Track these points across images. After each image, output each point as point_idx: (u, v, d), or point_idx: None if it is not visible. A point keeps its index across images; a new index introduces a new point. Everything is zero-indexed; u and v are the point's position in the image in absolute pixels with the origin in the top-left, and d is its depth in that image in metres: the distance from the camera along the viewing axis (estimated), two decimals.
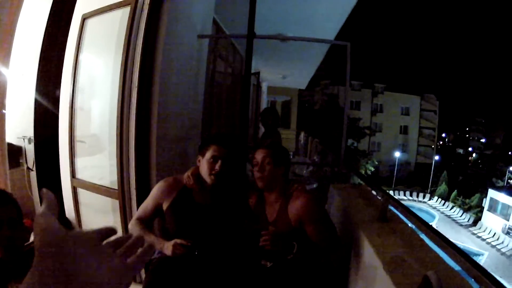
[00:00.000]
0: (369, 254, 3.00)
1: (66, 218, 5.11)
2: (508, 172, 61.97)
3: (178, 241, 3.08)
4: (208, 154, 3.33)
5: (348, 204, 4.40)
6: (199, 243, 3.14)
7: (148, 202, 3.43)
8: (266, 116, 7.25)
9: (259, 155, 3.42)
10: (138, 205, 4.69)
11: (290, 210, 3.28)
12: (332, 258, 3.47)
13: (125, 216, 4.80)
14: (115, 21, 4.85)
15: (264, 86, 17.66)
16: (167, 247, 3.10)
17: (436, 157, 66.98)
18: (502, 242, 39.53)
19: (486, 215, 45.16)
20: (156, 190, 3.44)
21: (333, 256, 3.42)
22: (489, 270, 2.26)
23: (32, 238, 4.90)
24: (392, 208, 3.75)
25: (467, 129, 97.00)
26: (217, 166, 3.30)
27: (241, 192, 3.68)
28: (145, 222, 3.39)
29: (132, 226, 3.34)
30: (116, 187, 4.80)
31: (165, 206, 3.36)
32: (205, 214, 3.35)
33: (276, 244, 2.98)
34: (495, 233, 41.20)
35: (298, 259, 3.04)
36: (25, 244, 2.61)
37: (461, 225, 45.75)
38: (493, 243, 39.89)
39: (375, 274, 2.76)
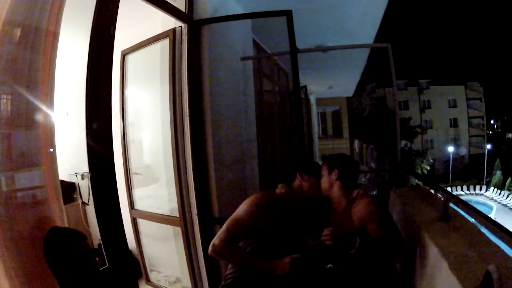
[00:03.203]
0: (434, 255, 2.91)
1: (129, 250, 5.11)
2: None
3: (294, 256, 2.96)
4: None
5: (409, 207, 4.28)
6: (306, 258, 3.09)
7: (243, 221, 3.12)
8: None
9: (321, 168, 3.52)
10: (201, 231, 4.70)
11: (353, 212, 3.24)
12: (396, 261, 3.50)
13: (188, 242, 4.78)
14: (156, 54, 4.93)
15: (312, 99, 17.55)
16: (281, 265, 2.95)
17: (488, 146, 64.40)
18: None
19: None
20: (252, 207, 3.18)
21: (397, 259, 3.47)
22: None
23: None
24: (452, 205, 3.64)
25: None
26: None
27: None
28: (238, 240, 3.15)
29: (226, 247, 3.01)
30: (176, 215, 4.80)
31: (264, 223, 3.14)
32: (308, 225, 3.40)
33: (337, 238, 2.96)
34: None
35: (360, 257, 2.97)
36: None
37: None
38: None
39: (440, 274, 2.68)
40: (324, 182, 3.40)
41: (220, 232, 3.03)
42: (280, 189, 3.40)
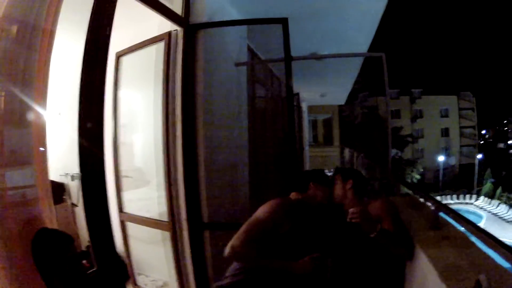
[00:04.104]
0: (424, 264, 2.92)
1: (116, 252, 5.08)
2: None
3: (312, 256, 3.11)
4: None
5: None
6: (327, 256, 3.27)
7: (265, 224, 3.23)
8: None
9: (333, 179, 3.84)
10: (190, 236, 4.68)
11: (371, 211, 3.34)
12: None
13: (176, 246, 4.78)
14: (150, 56, 4.94)
15: (304, 106, 17.59)
16: (303, 266, 3.08)
17: (479, 156, 64.94)
18: None
19: None
20: (274, 211, 3.32)
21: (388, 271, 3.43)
22: None
23: None
24: (442, 214, 3.68)
25: (505, 121, 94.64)
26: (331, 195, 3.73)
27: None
28: (257, 243, 3.17)
29: (246, 249, 3.05)
30: (165, 219, 4.80)
31: (285, 227, 3.26)
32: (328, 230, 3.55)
33: (363, 218, 3.05)
34: None
35: (379, 242, 3.11)
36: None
37: (508, 222, 43.73)
38: None
39: (430, 283, 2.70)
40: (338, 190, 3.70)
41: (239, 234, 3.08)
42: (295, 196, 3.66)
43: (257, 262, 3.08)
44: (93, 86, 2.92)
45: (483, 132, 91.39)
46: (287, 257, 3.12)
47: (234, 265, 3.20)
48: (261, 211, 3.30)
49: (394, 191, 6.35)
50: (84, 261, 2.62)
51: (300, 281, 3.12)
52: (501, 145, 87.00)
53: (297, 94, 13.94)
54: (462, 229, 3.32)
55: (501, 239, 2.60)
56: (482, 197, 51.87)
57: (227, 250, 2.98)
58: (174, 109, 4.67)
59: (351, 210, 3.08)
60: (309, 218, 3.52)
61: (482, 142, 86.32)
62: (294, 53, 4.96)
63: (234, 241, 3.01)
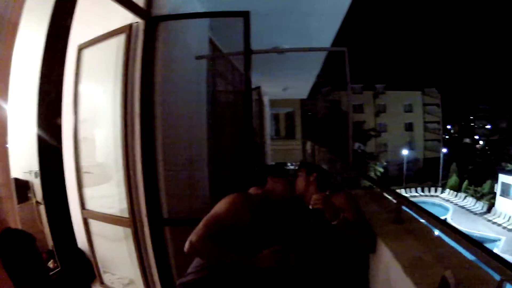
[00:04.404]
0: (388, 258, 2.97)
1: (79, 248, 5.05)
2: None
3: (272, 249, 3.11)
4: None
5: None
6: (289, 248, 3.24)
7: (223, 218, 3.22)
8: None
9: (297, 173, 3.95)
10: (151, 232, 4.71)
11: (334, 203, 3.36)
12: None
13: (138, 243, 4.78)
14: (112, 49, 4.88)
15: (266, 100, 17.63)
16: (263, 259, 3.06)
17: (444, 150, 66.34)
18: None
19: (500, 200, 44.44)
20: (232, 206, 3.31)
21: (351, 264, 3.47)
22: (507, 254, 2.27)
23: None
24: (405, 208, 3.72)
25: (471, 117, 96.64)
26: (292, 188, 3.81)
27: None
28: (216, 238, 3.14)
29: (204, 244, 3.04)
30: (126, 216, 4.78)
31: (244, 222, 3.27)
32: (288, 223, 3.71)
33: (326, 204, 3.15)
34: (510, 217, 40.57)
35: (340, 230, 3.17)
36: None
37: (476, 214, 45.11)
38: (509, 227, 39.27)
39: (395, 278, 2.74)
40: (301, 182, 3.82)
41: (198, 229, 3.07)
42: (254, 191, 3.70)
43: (217, 257, 3.10)
44: (51, 78, 2.92)
45: (449, 127, 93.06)
46: (248, 251, 3.11)
47: (196, 261, 3.22)
48: (219, 206, 3.31)
49: (355, 184, 6.49)
50: (51, 261, 2.63)
51: (263, 275, 3.16)
52: (467, 140, 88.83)
53: (259, 87, 13.97)
54: (426, 222, 3.40)
55: (470, 230, 2.67)
56: (447, 190, 53.14)
57: (186, 245, 3.00)
58: (133, 104, 4.65)
59: (314, 196, 3.18)
60: (269, 212, 3.58)
61: (447, 137, 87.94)
62: (256, 46, 5.02)
63: (192, 236, 3.02)
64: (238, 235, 3.21)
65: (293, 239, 3.52)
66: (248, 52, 4.91)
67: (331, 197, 3.46)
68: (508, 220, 40.45)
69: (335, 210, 3.16)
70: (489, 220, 42.29)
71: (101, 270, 5.49)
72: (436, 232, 3.18)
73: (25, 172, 5.58)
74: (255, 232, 3.30)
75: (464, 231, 2.66)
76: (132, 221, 4.72)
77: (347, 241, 3.28)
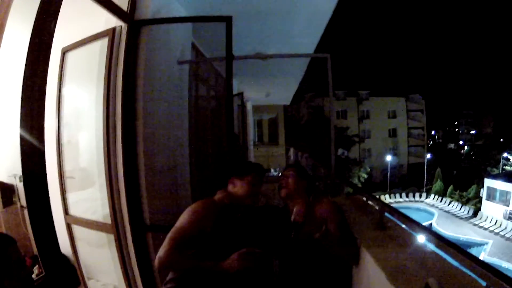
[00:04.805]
0: (370, 265, 2.97)
1: (62, 254, 5.02)
2: (503, 158, 62.21)
3: (241, 251, 3.01)
4: (249, 180, 3.53)
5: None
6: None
7: (187, 229, 3.18)
8: None
9: (286, 172, 3.89)
10: (133, 238, 4.69)
11: (317, 212, 3.52)
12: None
13: (121, 249, 4.75)
14: (95, 52, 4.86)
15: (249, 106, 17.68)
16: (231, 263, 2.99)
17: (428, 156, 67.05)
18: (506, 228, 39.41)
19: (485, 204, 44.98)
20: (194, 215, 3.27)
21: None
22: (495, 257, 2.27)
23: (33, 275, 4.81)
24: (388, 215, 3.74)
25: (456, 123, 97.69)
26: (255, 190, 3.54)
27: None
28: (184, 249, 3.13)
29: (172, 257, 3.03)
30: (109, 221, 4.75)
31: (207, 230, 3.19)
32: (248, 228, 3.52)
33: (308, 218, 3.30)
34: (496, 221, 41.03)
35: (322, 243, 3.13)
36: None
37: (462, 218, 45.45)
38: (496, 230, 39.65)
39: (378, 284, 2.73)
40: (289, 184, 3.74)
41: (164, 243, 3.05)
42: (218, 195, 3.55)
43: (186, 269, 3.12)
44: (35, 82, 2.92)
45: (433, 133, 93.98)
46: (218, 258, 3.07)
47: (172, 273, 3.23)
48: (182, 217, 3.29)
49: (338, 191, 6.51)
50: (36, 266, 2.61)
51: (237, 282, 3.15)
52: (452, 146, 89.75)
53: (241, 93, 13.96)
54: (408, 229, 3.43)
55: (456, 235, 2.67)
56: (432, 195, 53.66)
57: (156, 262, 3.02)
58: (115, 108, 4.63)
59: (296, 210, 3.26)
60: (233, 217, 3.45)
61: (431, 142, 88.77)
62: (240, 52, 5.04)
63: (160, 251, 3.02)
64: (205, 243, 3.19)
65: (277, 247, 3.54)
66: (229, 58, 4.89)
67: (314, 205, 3.58)
68: (495, 224, 40.87)
69: (317, 223, 3.18)
70: (476, 224, 42.68)
71: (86, 276, 5.41)
72: (420, 238, 3.18)
73: (9, 176, 5.54)
74: (220, 238, 3.24)
75: (449, 236, 2.68)
76: (115, 227, 4.69)
77: (329, 253, 3.29)
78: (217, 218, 3.29)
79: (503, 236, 38.40)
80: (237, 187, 3.54)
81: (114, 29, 4.64)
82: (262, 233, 3.58)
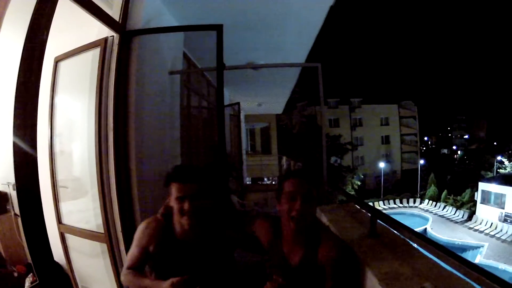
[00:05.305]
0: (364, 273, 2.92)
1: (56, 262, 5.01)
2: (496, 162, 62.32)
3: (175, 279, 2.71)
4: (173, 194, 3.03)
5: (336, 224, 4.23)
6: (198, 278, 2.80)
7: (134, 249, 3.07)
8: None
9: (290, 187, 2.87)
10: (126, 248, 4.67)
11: (320, 257, 2.85)
12: None
13: (114, 259, 4.75)
14: (87, 62, 4.88)
15: (241, 116, 17.72)
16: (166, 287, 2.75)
17: (421, 161, 67.23)
18: (501, 230, 39.45)
19: (480, 208, 44.95)
20: (139, 234, 3.10)
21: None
22: (491, 260, 2.27)
23: (27, 283, 4.81)
24: (381, 222, 3.67)
25: (449, 128, 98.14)
26: (185, 206, 2.96)
27: (225, 224, 3.40)
28: (137, 269, 3.04)
29: (124, 276, 3.02)
30: (102, 231, 4.76)
31: (151, 248, 3.02)
32: (190, 251, 3.09)
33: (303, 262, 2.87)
34: (492, 223, 41.04)
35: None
36: None
37: (457, 222, 45.41)
38: (492, 233, 39.65)
39: None
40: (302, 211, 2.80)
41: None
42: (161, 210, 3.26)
43: (138, 286, 2.99)
44: (28, 91, 2.93)
45: (426, 138, 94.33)
46: (163, 277, 2.89)
47: None
48: (134, 237, 3.14)
49: (331, 199, 6.53)
50: (30, 274, 2.60)
51: None
52: (445, 151, 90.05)
53: (238, 103, 13.97)
54: (402, 236, 3.35)
55: (451, 239, 2.63)
56: (426, 201, 53.82)
57: None
58: (107, 118, 4.65)
59: (293, 254, 2.89)
60: (170, 237, 3.12)
61: (425, 148, 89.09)
62: (231, 62, 5.06)
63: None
64: (153, 263, 3.10)
65: (202, 272, 3.01)
66: (220, 66, 4.88)
67: (320, 242, 2.90)
68: (490, 226, 40.92)
69: (314, 268, 2.83)
70: (471, 228, 42.62)
71: (80, 285, 5.42)
72: (413, 245, 3.15)
73: (3, 184, 5.54)
74: (163, 259, 3.06)
75: (445, 240, 2.65)
76: (108, 237, 4.70)
77: None
78: (161, 237, 3.08)
79: (498, 239, 38.42)
80: (171, 202, 3.12)
81: (106, 39, 4.67)
82: (199, 260, 3.08)
